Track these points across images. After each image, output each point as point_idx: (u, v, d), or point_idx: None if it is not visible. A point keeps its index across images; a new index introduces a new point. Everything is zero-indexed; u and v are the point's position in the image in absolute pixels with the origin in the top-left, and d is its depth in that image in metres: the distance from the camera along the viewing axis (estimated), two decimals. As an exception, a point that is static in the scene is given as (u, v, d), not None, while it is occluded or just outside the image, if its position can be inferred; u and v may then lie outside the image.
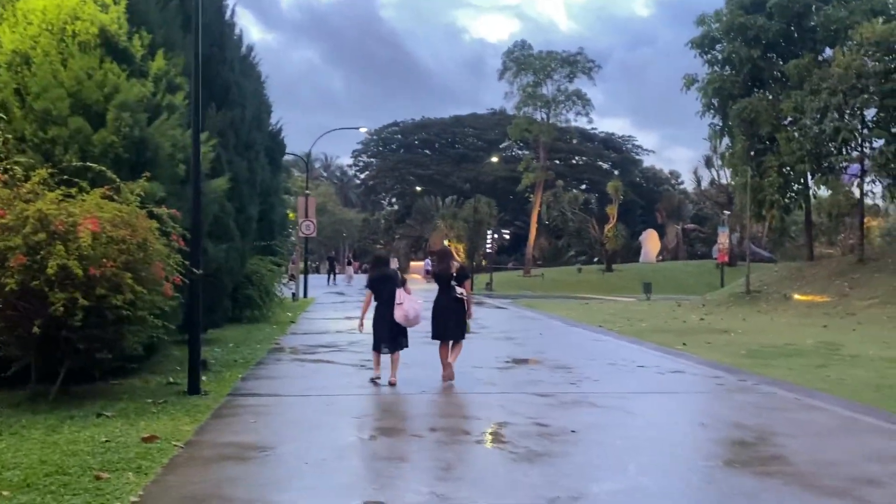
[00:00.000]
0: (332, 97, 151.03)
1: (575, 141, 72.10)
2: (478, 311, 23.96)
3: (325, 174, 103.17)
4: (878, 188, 26.18)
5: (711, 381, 9.77)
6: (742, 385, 9.39)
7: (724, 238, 42.32)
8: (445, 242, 55.92)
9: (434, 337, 9.55)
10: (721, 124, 28.23)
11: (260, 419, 7.07)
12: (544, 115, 45.28)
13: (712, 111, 28.02)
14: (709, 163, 48.76)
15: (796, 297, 22.90)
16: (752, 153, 25.76)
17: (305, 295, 28.10)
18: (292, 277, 26.70)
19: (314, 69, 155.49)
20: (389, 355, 9.17)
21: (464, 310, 9.48)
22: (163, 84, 10.38)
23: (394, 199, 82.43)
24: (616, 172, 73.66)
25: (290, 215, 23.07)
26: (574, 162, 73.06)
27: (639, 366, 11.05)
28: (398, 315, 9.01)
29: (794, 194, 26.77)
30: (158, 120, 9.76)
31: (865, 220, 58.02)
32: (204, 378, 8.95)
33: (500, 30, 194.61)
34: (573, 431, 6.56)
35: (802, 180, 26.31)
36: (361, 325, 9.55)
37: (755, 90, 26.53)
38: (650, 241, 57.05)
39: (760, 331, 16.86)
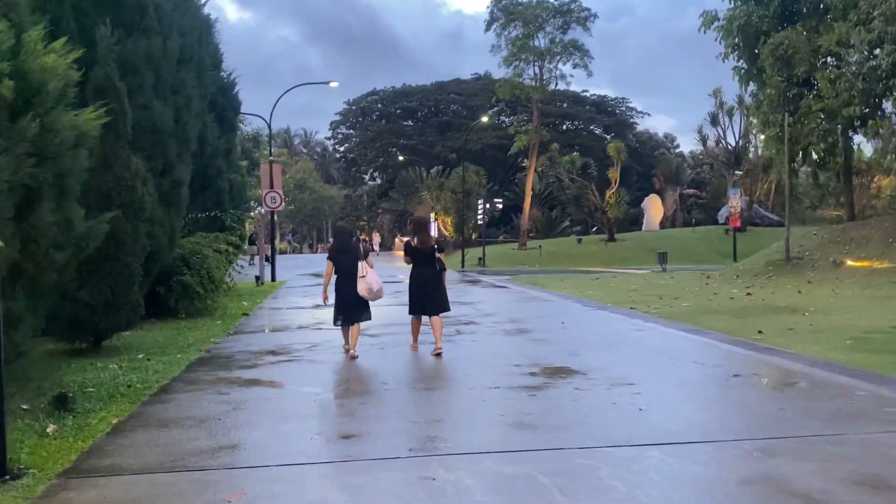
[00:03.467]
0: (311, 75, 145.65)
1: (565, 105, 68.28)
2: (475, 292, 20.42)
3: (304, 150, 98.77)
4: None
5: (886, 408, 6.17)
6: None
7: (735, 201, 38.81)
8: (432, 216, 52.17)
9: (412, 311, 9.20)
10: (746, 67, 24.51)
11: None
12: (536, 70, 41.20)
13: (736, 52, 24.30)
14: (714, 121, 45.04)
15: (849, 263, 19.42)
16: (789, 96, 22.08)
17: (274, 278, 24.34)
18: (253, 258, 22.81)
19: (292, 47, 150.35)
20: (350, 327, 8.94)
21: (443, 283, 9.17)
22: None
23: (376, 173, 78.33)
24: (608, 137, 70.03)
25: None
26: (565, 127, 69.20)
27: (734, 375, 7.47)
28: (361, 288, 8.81)
29: (831, 144, 23.16)
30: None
31: (877, 177, 54.95)
32: (51, 429, 5.35)
33: (478, 2, 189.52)
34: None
35: (843, 127, 22.69)
36: (325, 296, 9.25)
37: (788, 25, 22.81)
38: (653, 208, 53.41)
39: (835, 308, 13.35)
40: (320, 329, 11.76)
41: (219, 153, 17.01)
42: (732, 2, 24.63)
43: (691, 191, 66.78)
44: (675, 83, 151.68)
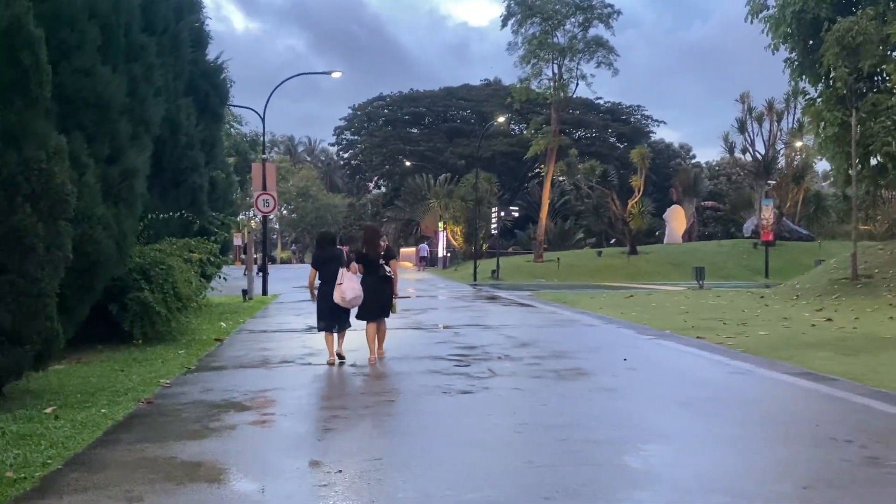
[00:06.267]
0: (317, 85, 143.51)
1: (578, 112, 65.62)
2: (497, 312, 17.48)
3: (308, 158, 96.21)
4: None
5: None
6: None
7: (768, 213, 36.01)
8: (440, 225, 49.46)
9: (357, 316, 9.20)
10: (799, 60, 21.82)
11: None
12: (555, 70, 38.37)
13: (788, 42, 21.63)
14: (742, 127, 42.23)
15: (934, 282, 16.67)
16: (855, 91, 19.36)
17: (265, 292, 21.61)
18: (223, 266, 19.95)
19: (299, 57, 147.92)
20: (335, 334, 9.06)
21: (390, 290, 9.28)
22: None
23: (381, 181, 75.71)
24: (622, 146, 67.38)
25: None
26: (577, 135, 66.47)
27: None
28: (336, 295, 8.89)
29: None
30: None
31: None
32: None
33: (483, 14, 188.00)
34: None
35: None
36: (313, 295, 9.41)
37: (848, 11, 20.15)
38: (675, 219, 50.46)
39: (960, 341, 10.60)
40: (309, 364, 9.05)
41: (195, 143, 14.33)
42: (784, -13, 21.92)
43: (709, 203, 63.94)
44: (680, 96, 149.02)
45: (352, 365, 9.00)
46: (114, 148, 9.23)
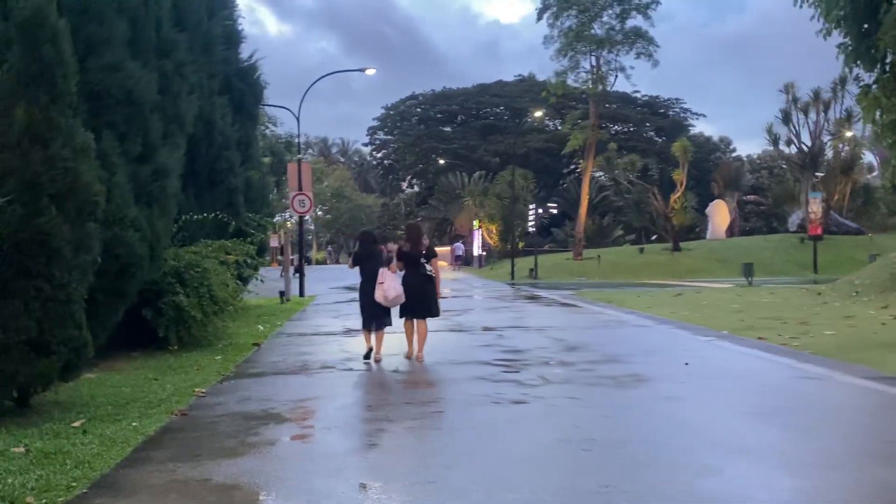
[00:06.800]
0: (350, 86, 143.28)
1: (615, 106, 64.46)
2: (540, 312, 16.78)
3: (342, 159, 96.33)
4: None
5: None
6: None
7: (816, 206, 34.78)
8: (475, 223, 48.91)
9: (400, 315, 9.13)
10: (853, 45, 20.81)
11: None
12: (593, 62, 37.49)
13: (842, 27, 20.64)
14: (787, 118, 40.86)
15: None
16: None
17: (302, 293, 21.30)
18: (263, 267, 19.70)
19: (331, 59, 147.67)
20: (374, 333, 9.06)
21: (433, 289, 9.10)
22: None
23: (414, 180, 75.37)
24: (660, 140, 66.07)
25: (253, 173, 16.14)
26: (614, 130, 65.32)
27: None
28: (378, 294, 8.85)
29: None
30: None
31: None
32: None
33: (514, 12, 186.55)
34: None
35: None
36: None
37: (907, -8, 19.14)
38: (718, 214, 49.15)
39: None
40: (350, 370, 8.61)
41: (231, 143, 14.01)
42: (835, -31, 20.90)
43: (751, 197, 62.38)
44: (715, 89, 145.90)
45: (394, 371, 8.54)
46: (145, 146, 8.89)
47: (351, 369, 8.67)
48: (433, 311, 9.17)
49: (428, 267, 9.08)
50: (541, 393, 7.00)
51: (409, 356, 9.09)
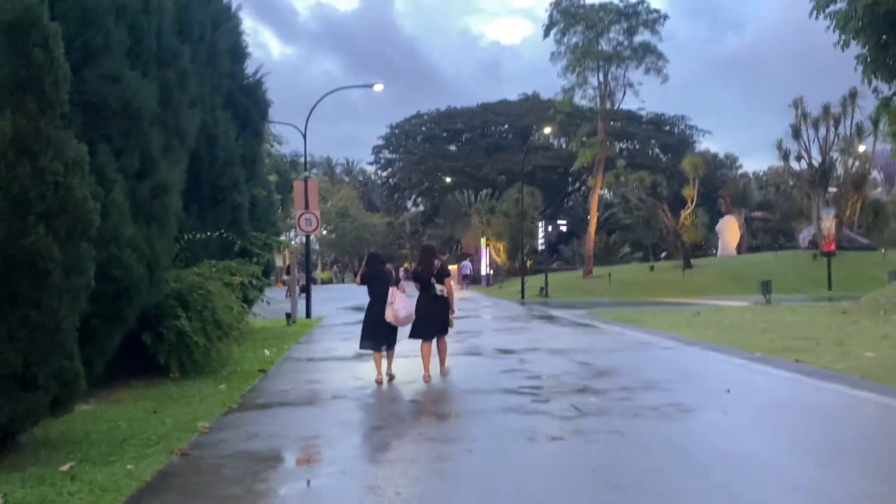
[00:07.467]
0: (353, 107, 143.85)
1: (620, 124, 64.09)
2: (558, 333, 15.73)
3: (346, 179, 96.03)
4: None
5: None
6: None
7: (829, 221, 34.20)
8: (482, 241, 48.35)
9: (411, 335, 9.12)
10: (871, 56, 20.31)
11: None
12: (601, 78, 37.06)
13: (860, 39, 20.15)
14: (797, 134, 40.36)
15: None
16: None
17: (309, 314, 20.68)
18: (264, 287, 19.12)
19: (333, 80, 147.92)
20: (384, 352, 9.12)
21: (446, 307, 9.17)
22: None
23: (419, 199, 74.95)
24: (665, 157, 65.65)
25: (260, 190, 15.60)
26: (620, 148, 64.88)
27: None
28: (388, 314, 8.88)
29: None
30: None
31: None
32: None
33: (514, 33, 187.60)
34: None
35: None
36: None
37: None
38: (728, 231, 48.55)
39: None
40: (364, 400, 7.98)
41: (235, 159, 13.47)
42: (852, -21, 20.43)
43: (759, 213, 61.75)
44: (717, 107, 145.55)
45: (412, 401, 7.91)
46: (144, 161, 8.32)
47: (365, 399, 8.04)
48: (445, 328, 9.25)
49: (439, 287, 9.13)
50: (578, 426, 6.35)
51: (426, 380, 8.82)
